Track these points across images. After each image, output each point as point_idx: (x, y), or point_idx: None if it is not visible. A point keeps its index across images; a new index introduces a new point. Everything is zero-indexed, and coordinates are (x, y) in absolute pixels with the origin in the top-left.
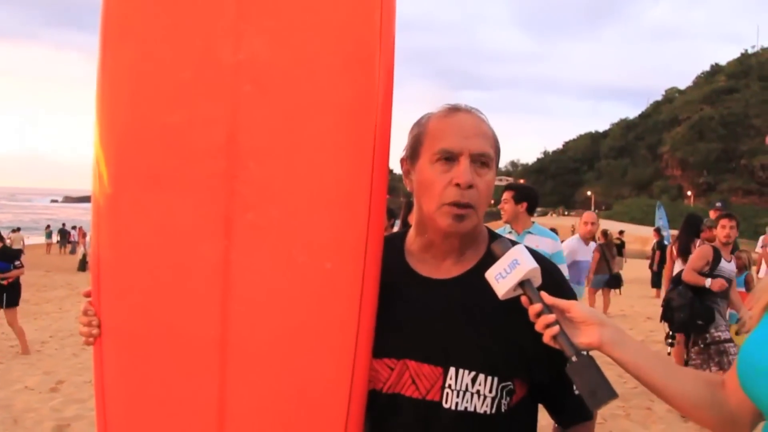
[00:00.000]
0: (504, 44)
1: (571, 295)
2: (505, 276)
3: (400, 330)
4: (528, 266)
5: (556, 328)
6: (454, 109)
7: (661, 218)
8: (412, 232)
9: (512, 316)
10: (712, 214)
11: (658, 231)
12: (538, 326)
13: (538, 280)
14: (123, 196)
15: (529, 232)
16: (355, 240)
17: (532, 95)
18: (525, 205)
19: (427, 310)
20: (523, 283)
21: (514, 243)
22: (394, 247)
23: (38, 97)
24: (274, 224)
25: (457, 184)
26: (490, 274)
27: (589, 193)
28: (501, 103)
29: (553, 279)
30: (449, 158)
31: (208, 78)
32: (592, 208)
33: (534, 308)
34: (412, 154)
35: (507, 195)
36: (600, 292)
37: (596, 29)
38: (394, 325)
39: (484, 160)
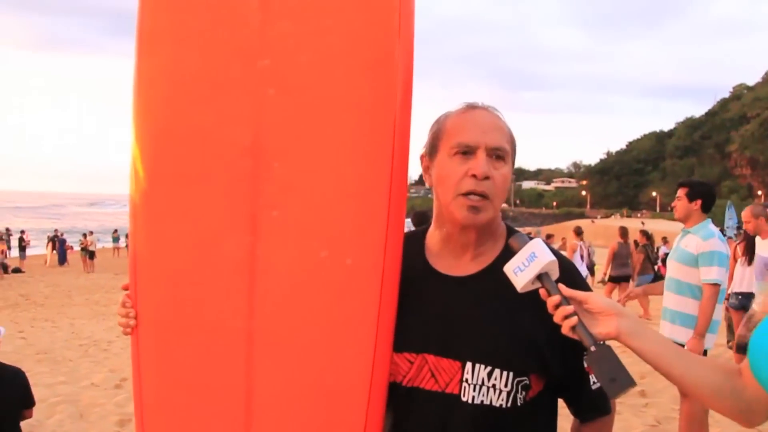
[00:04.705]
0: (563, 43)
1: (586, 288)
2: (523, 269)
3: (419, 325)
4: (546, 259)
5: (574, 319)
6: (471, 107)
7: (731, 218)
8: (432, 228)
9: (527, 312)
10: None
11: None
12: (557, 318)
13: (555, 273)
14: (156, 194)
15: (688, 232)
16: (375, 237)
17: (594, 94)
18: (699, 202)
19: (446, 307)
20: (541, 276)
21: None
22: (414, 244)
23: (107, 107)
24: (298, 221)
25: (474, 175)
26: (509, 268)
27: (654, 194)
28: (561, 103)
29: (568, 273)
30: (467, 152)
31: (235, 83)
32: (657, 209)
33: (552, 300)
34: (431, 150)
35: (681, 192)
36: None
37: (659, 25)
38: (414, 320)
39: (500, 153)
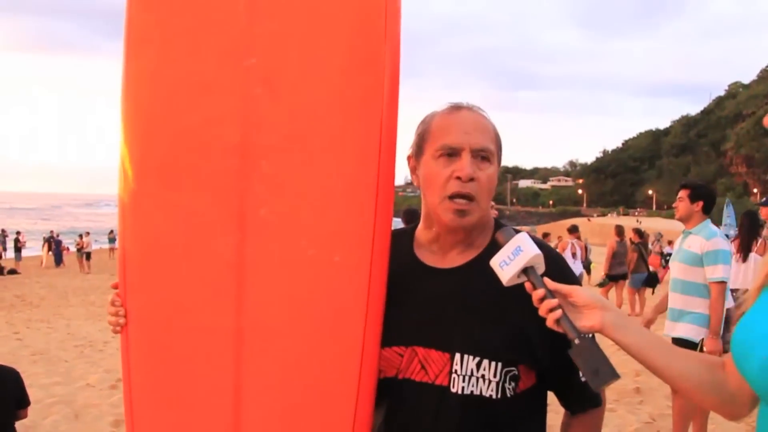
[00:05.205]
0: (559, 43)
1: (575, 282)
2: (509, 263)
3: (409, 318)
4: (531, 253)
5: (558, 312)
6: (456, 107)
7: (729, 216)
8: (421, 225)
9: (516, 303)
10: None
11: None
12: (542, 311)
13: (541, 267)
14: (145, 193)
15: (690, 233)
16: (363, 234)
17: (591, 94)
18: (701, 204)
19: (434, 299)
20: (526, 270)
21: (517, 231)
22: (403, 240)
23: (102, 108)
24: (285, 219)
25: (459, 177)
26: (495, 262)
27: (650, 192)
28: (558, 102)
29: (557, 266)
30: (451, 153)
31: (222, 82)
32: (654, 207)
33: (537, 293)
34: (418, 151)
35: (682, 193)
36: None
37: (655, 23)
38: (404, 313)
39: (485, 154)
